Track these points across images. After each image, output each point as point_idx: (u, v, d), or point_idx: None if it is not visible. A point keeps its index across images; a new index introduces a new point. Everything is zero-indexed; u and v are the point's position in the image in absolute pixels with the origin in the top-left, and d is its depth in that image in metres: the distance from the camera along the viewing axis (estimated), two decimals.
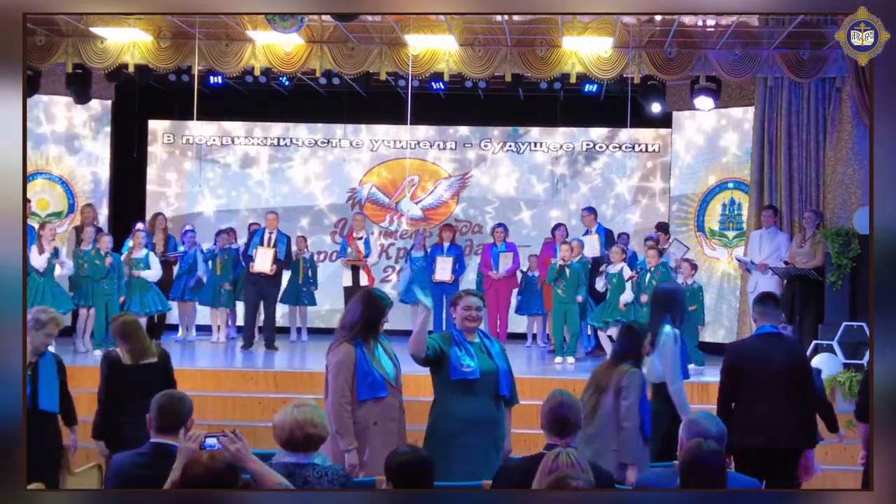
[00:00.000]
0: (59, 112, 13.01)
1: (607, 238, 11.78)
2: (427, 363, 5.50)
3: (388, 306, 5.60)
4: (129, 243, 11.24)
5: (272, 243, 11.42)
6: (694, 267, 10.69)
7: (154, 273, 11.10)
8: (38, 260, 10.16)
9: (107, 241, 10.77)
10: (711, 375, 8.21)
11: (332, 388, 5.43)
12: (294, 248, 12.11)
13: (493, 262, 11.95)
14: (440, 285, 11.85)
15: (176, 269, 11.96)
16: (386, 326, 5.64)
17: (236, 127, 14.01)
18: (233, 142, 14.04)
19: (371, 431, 5.39)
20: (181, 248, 12.08)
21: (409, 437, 5.57)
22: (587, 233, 11.73)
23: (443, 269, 11.94)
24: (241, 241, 12.18)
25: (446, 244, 12.20)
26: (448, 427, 5.47)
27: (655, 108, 12.02)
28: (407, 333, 5.63)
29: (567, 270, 10.78)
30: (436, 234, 12.82)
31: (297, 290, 12.31)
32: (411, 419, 5.71)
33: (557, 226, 12.03)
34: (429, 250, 12.33)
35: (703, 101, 11.09)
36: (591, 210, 12.06)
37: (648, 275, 10.30)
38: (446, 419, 5.49)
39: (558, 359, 10.83)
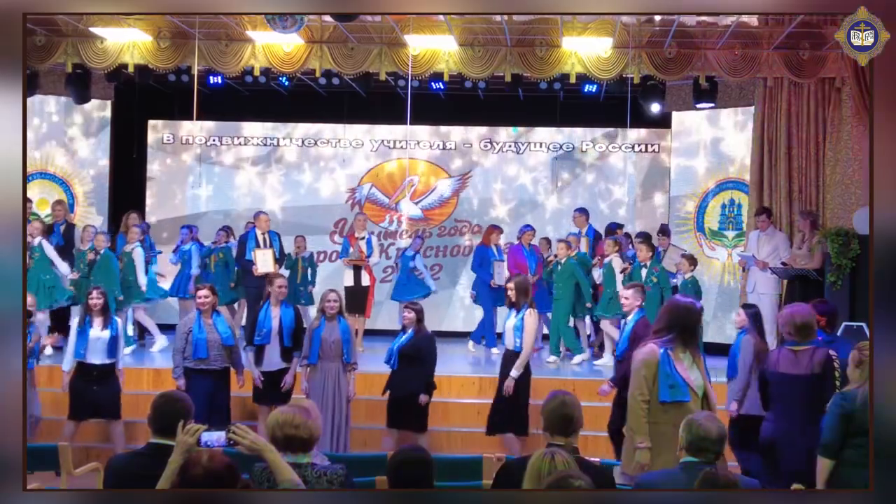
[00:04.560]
0: (58, 112, 13.01)
1: (596, 240, 11.71)
2: None
3: (699, 314, 5.72)
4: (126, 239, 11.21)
5: (268, 243, 11.41)
6: (692, 261, 10.53)
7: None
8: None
9: (103, 239, 10.80)
10: (713, 377, 8.15)
11: (630, 384, 5.53)
12: (292, 246, 12.04)
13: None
14: (497, 290, 11.16)
15: (156, 267, 11.88)
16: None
17: (236, 127, 14.01)
18: (232, 142, 14.04)
19: (670, 435, 5.20)
20: (185, 247, 12.08)
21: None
22: (577, 234, 11.62)
23: (500, 274, 11.24)
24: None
25: (494, 246, 11.58)
26: None
27: (655, 108, 12.00)
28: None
29: (559, 266, 10.76)
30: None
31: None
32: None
33: (526, 227, 11.65)
34: (474, 252, 11.87)
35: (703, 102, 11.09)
36: (583, 210, 11.93)
37: (644, 270, 10.26)
38: None
39: (551, 357, 10.82)
